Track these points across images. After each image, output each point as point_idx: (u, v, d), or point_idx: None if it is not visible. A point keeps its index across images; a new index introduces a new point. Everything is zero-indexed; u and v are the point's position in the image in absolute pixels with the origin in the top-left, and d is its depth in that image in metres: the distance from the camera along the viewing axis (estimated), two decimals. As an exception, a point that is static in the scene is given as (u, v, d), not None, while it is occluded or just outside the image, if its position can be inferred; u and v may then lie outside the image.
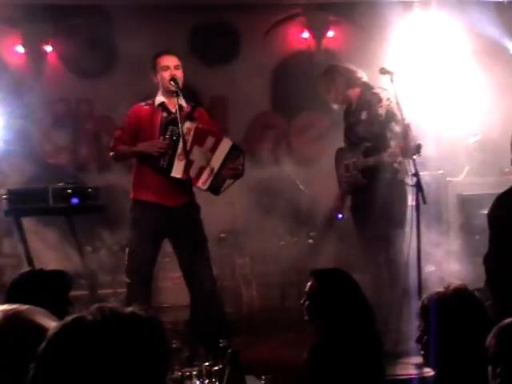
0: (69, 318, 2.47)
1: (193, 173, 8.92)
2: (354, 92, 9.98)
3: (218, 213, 11.82)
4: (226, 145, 9.19)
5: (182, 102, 9.28)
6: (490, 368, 4.01)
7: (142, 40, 11.78)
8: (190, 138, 8.95)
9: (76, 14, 12.76)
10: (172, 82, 8.98)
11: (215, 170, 9.08)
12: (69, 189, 10.31)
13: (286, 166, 13.48)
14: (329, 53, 14.00)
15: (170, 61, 9.32)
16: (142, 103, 9.47)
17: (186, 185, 9.07)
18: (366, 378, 5.76)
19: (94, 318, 2.43)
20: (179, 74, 9.28)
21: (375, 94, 9.89)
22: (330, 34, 14.13)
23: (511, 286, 6.71)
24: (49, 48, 13.37)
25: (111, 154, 9.64)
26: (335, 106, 10.28)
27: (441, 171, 11.56)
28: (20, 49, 13.31)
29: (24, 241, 10.35)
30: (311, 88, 13.11)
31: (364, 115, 9.90)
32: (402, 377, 8.06)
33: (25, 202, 10.29)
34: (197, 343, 7.14)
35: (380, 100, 9.76)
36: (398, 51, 12.26)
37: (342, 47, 13.90)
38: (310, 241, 12.40)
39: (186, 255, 9.16)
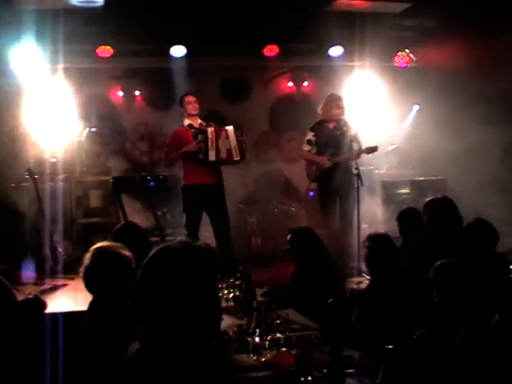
0: (161, 245, 2.65)
1: (223, 154, 9.24)
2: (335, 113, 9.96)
3: (236, 191, 12.03)
4: (230, 129, 9.41)
5: (200, 120, 9.65)
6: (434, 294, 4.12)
7: (192, 87, 11.85)
8: (213, 136, 9.20)
9: (154, 72, 12.86)
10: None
11: (236, 146, 9.28)
12: (148, 176, 10.45)
13: (277, 163, 13.68)
14: (305, 95, 14.07)
15: (188, 98, 9.56)
16: (178, 128, 9.70)
17: (216, 169, 9.47)
18: (326, 289, 5.91)
19: (176, 245, 2.59)
20: (195, 105, 9.53)
21: (346, 123, 9.98)
22: (305, 84, 14.15)
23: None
24: (137, 92, 13.43)
25: (164, 161, 9.94)
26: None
27: (371, 167, 11.64)
28: (120, 93, 13.38)
29: (122, 208, 10.50)
30: (294, 116, 13.34)
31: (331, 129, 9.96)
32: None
33: (122, 184, 10.49)
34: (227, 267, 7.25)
35: (349, 128, 9.88)
36: (346, 94, 12.32)
37: (312, 92, 13.92)
38: (293, 209, 12.48)
39: (217, 216, 9.40)
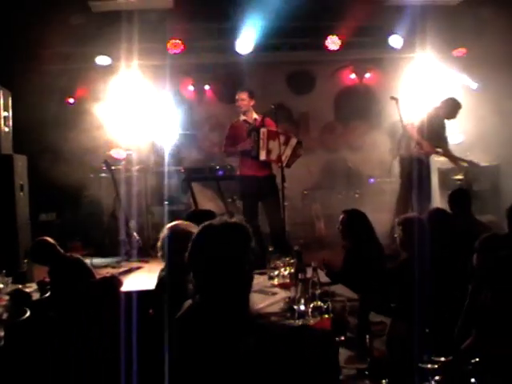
0: (206, 223, 3.18)
1: (273, 156, 9.45)
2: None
3: (302, 178, 12.41)
4: (293, 141, 9.61)
5: (255, 115, 9.85)
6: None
7: (259, 81, 12.33)
8: (265, 137, 9.45)
9: (223, 67, 13.40)
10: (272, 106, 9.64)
11: (288, 156, 9.49)
12: (217, 166, 10.91)
13: (342, 152, 14.01)
14: (367, 87, 14.38)
15: (238, 95, 9.86)
16: (234, 122, 10.03)
17: (267, 164, 9.70)
18: (373, 263, 6.37)
19: (218, 223, 3.12)
20: (243, 103, 9.79)
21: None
22: (367, 75, 14.41)
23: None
24: (207, 87, 14.02)
25: (224, 152, 10.24)
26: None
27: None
28: (191, 88, 13.96)
29: (193, 195, 10.89)
30: (356, 106, 13.68)
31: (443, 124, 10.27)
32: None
33: (193, 173, 10.92)
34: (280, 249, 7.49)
35: None
36: (405, 85, 12.59)
37: (374, 83, 14.22)
38: (356, 195, 12.76)
39: (269, 205, 9.72)
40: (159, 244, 5.08)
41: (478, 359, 2.88)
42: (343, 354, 3.65)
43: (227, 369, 2.75)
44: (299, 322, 4.44)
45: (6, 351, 4.43)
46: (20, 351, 4.56)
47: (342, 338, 3.81)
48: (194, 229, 4.87)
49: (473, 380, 2.74)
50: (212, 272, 3.02)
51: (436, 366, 2.78)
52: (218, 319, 2.95)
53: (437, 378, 2.76)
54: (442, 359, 2.80)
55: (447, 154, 10.50)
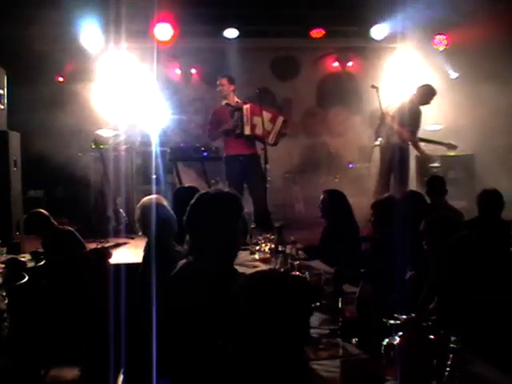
0: (202, 191, 3.52)
1: (258, 131, 9.81)
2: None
3: (283, 161, 12.71)
4: (280, 119, 10.02)
5: (237, 99, 10.18)
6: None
7: (245, 66, 12.56)
8: (248, 113, 9.83)
9: (210, 51, 13.57)
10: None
11: (276, 133, 9.92)
12: (202, 147, 11.10)
13: (323, 137, 14.30)
14: (349, 74, 14.77)
15: (219, 81, 10.25)
16: (217, 107, 10.39)
17: (252, 143, 10.06)
18: (348, 240, 6.74)
19: (213, 191, 3.48)
20: (223, 88, 10.19)
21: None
22: (350, 63, 14.82)
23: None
24: (193, 70, 14.37)
25: (208, 137, 10.61)
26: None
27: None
28: (178, 71, 14.30)
29: (178, 175, 11.16)
30: (338, 93, 13.96)
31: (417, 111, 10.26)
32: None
33: (179, 154, 11.07)
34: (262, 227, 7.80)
35: None
36: (386, 74, 12.88)
37: (356, 71, 14.61)
38: (336, 180, 13.02)
39: (254, 184, 9.98)
40: (137, 224, 5.46)
41: (436, 317, 3.25)
42: (318, 317, 4.03)
43: (218, 315, 3.10)
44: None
45: (11, 310, 4.73)
46: (22, 310, 4.90)
47: (318, 304, 4.18)
48: (163, 200, 5.36)
49: (431, 336, 3.07)
50: (207, 235, 3.37)
51: (399, 322, 3.12)
52: (210, 275, 3.30)
53: (400, 333, 3.07)
54: (405, 317, 3.13)
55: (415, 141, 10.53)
